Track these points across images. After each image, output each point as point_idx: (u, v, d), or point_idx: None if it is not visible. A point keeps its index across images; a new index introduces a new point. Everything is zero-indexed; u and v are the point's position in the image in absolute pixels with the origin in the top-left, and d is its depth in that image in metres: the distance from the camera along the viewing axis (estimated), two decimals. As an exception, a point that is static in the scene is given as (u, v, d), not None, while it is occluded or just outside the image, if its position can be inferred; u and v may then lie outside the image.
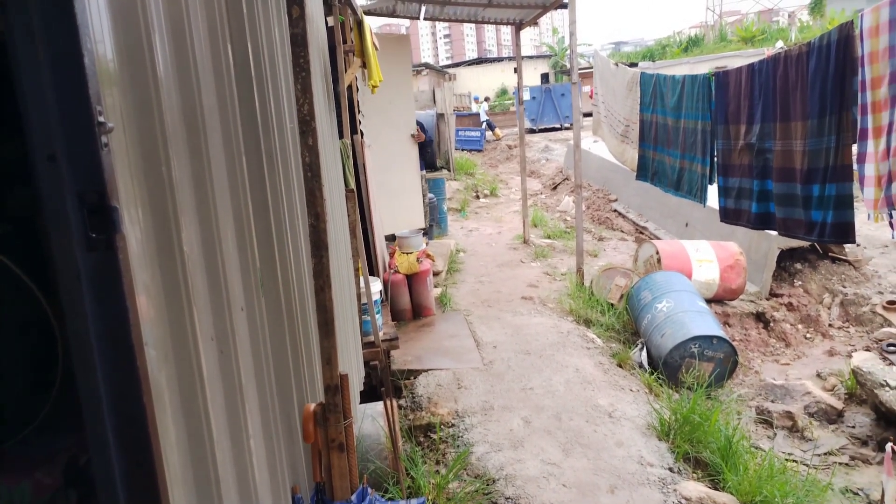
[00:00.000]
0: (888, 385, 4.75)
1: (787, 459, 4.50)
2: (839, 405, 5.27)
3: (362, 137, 5.04)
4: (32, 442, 1.60)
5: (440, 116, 14.91)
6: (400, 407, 4.56)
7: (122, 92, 1.00)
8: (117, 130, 0.96)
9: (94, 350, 0.96)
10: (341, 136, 3.96)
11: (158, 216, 1.10)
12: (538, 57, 39.11)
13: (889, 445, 3.08)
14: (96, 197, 0.88)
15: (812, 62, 4.03)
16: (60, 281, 0.92)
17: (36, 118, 0.84)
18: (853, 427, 5.06)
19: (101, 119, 0.88)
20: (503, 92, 37.90)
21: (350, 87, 4.47)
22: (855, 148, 3.69)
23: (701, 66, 23.24)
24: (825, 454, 4.74)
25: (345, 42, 4.26)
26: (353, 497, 2.01)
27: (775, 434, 5.02)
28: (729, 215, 5.29)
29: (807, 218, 4.22)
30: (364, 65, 5.14)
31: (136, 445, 1.02)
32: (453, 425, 4.26)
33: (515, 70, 9.40)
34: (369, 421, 3.62)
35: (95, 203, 0.88)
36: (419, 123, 9.26)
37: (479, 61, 41.51)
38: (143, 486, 1.03)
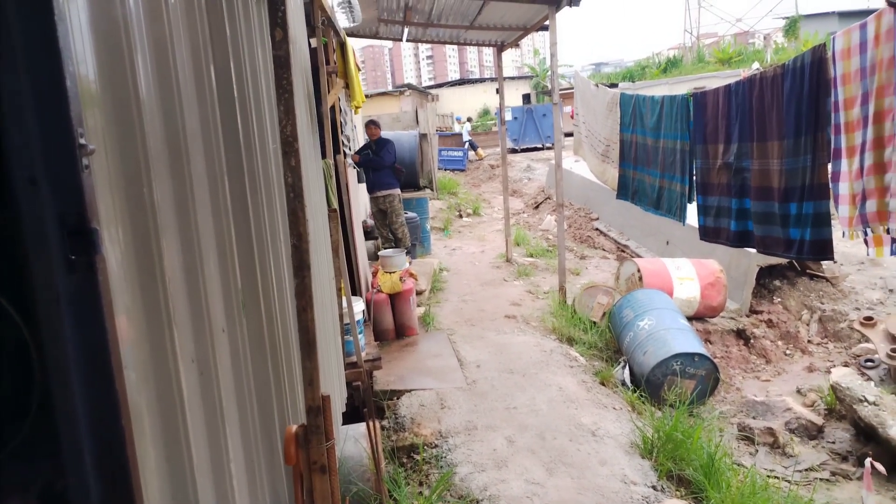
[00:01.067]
0: (866, 400, 4.80)
1: (768, 476, 4.52)
2: (819, 421, 5.32)
3: (345, 157, 5.06)
4: (6, 468, 1.56)
5: (423, 136, 14.98)
6: (383, 428, 4.52)
7: (103, 113, 1.00)
8: (99, 152, 0.96)
9: (73, 373, 0.95)
10: (324, 156, 3.97)
11: (139, 238, 1.09)
12: (520, 78, 39.53)
13: (868, 461, 3.12)
14: (76, 219, 0.87)
15: (787, 83, 4.12)
16: (39, 303, 0.91)
17: (16, 140, 0.84)
18: (833, 443, 5.10)
19: (82, 141, 0.87)
20: (485, 112, 38.21)
21: (333, 107, 4.48)
22: (830, 167, 3.77)
23: (679, 87, 23.66)
24: (806, 470, 4.77)
25: (328, 63, 4.28)
26: (336, 520, 1.98)
27: (757, 450, 5.04)
28: (708, 233, 5.36)
29: (785, 235, 4.29)
30: (347, 86, 5.17)
31: (115, 471, 1.00)
32: (437, 446, 4.24)
33: (497, 91, 9.51)
34: (352, 442, 3.59)
35: (76, 225, 0.88)
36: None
37: (462, 82, 41.86)
38: (121, 511, 1.02)
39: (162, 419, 1.16)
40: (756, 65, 25.63)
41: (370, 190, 8.69)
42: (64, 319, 0.93)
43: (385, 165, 8.62)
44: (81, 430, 0.98)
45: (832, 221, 4.15)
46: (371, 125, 8.73)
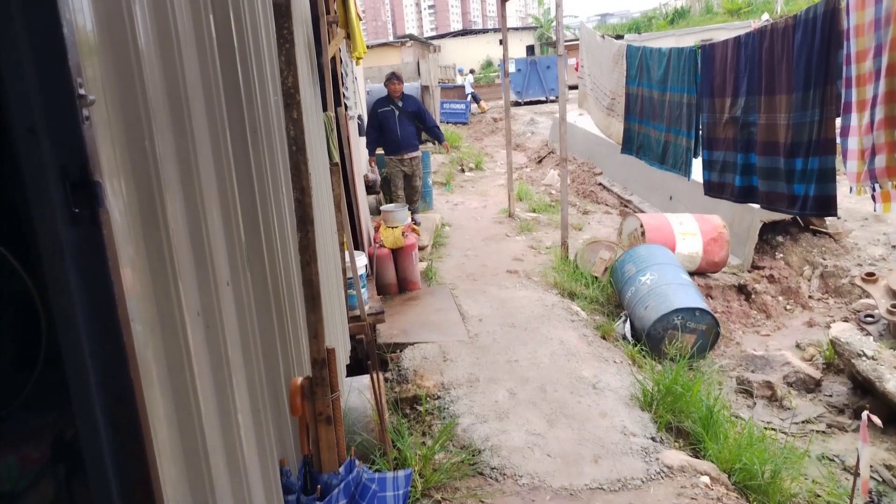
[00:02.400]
0: (865, 355, 4.85)
1: (765, 428, 4.60)
2: (817, 375, 5.38)
3: (346, 110, 4.99)
4: (18, 418, 1.60)
5: (425, 89, 14.78)
6: (386, 380, 4.58)
7: (102, 64, 0.98)
8: (98, 103, 0.94)
9: (80, 326, 0.95)
10: (325, 108, 3.91)
11: (142, 190, 1.08)
12: (524, 29, 38.76)
13: (865, 413, 3.16)
14: (78, 171, 0.87)
15: (798, 35, 4.03)
16: (44, 256, 0.91)
17: (14, 89, 0.82)
18: (830, 396, 5.17)
19: (81, 91, 0.86)
20: (488, 64, 37.59)
21: (334, 58, 4.40)
22: (839, 121, 3.71)
23: (687, 39, 23.19)
24: (803, 422, 4.85)
25: (328, 13, 4.19)
26: (341, 469, 2.03)
27: (755, 403, 5.12)
28: (713, 189, 5.32)
29: (789, 191, 4.26)
30: (348, 36, 5.07)
31: (125, 421, 1.02)
32: (439, 397, 4.30)
33: (501, 42, 9.32)
34: (356, 394, 3.64)
35: (78, 177, 0.87)
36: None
37: (464, 33, 41.07)
38: (133, 460, 1.04)
39: (169, 371, 1.17)
40: (766, 16, 25.06)
41: (394, 151, 7.91)
42: (69, 272, 0.93)
43: (424, 124, 7.97)
44: (90, 381, 0.99)
45: (837, 177, 4.12)
46: (394, 80, 7.90)
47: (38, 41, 0.84)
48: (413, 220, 7.41)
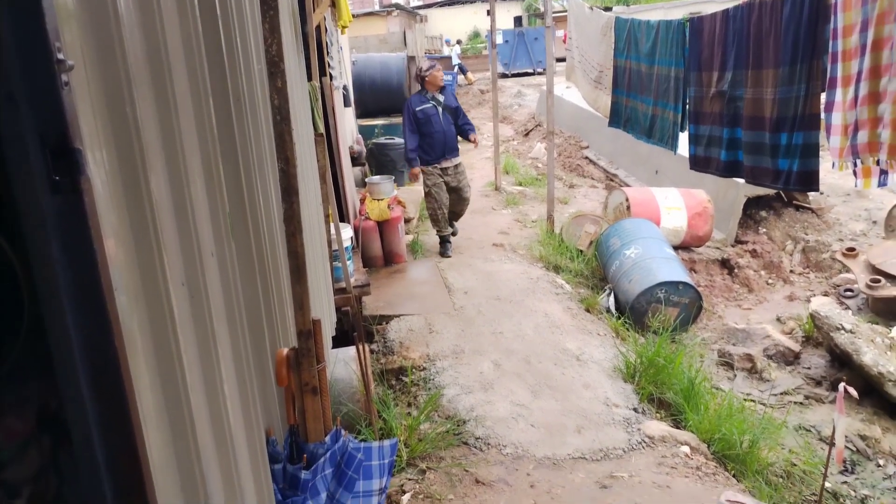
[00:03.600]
0: (843, 328, 4.94)
1: (745, 399, 4.69)
2: (797, 348, 5.48)
3: (331, 80, 4.93)
4: (1, 389, 1.58)
5: (411, 59, 14.60)
6: (372, 351, 4.61)
7: (81, 28, 0.96)
8: (78, 69, 0.92)
9: (63, 296, 0.95)
10: (310, 78, 3.86)
11: (124, 158, 1.06)
12: (512, 0, 38.27)
13: (841, 385, 3.22)
14: (58, 138, 0.85)
15: (786, 9, 4.01)
16: (25, 225, 0.90)
17: (-10, 54, 0.80)
18: (809, 368, 5.28)
19: (60, 56, 0.84)
20: (476, 35, 37.15)
21: (319, 27, 4.33)
22: (823, 96, 3.73)
23: (676, 12, 23.01)
24: (781, 394, 4.95)
25: (313, -21, 4.10)
26: (327, 439, 2.04)
27: (735, 376, 5.21)
28: (698, 163, 5.34)
29: (774, 166, 4.29)
30: (333, 4, 4.99)
31: (110, 391, 1.02)
32: (424, 369, 4.34)
33: (489, 13, 9.22)
34: (342, 365, 3.66)
35: (58, 145, 0.85)
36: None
37: (452, 3, 40.47)
38: (119, 430, 1.04)
39: (154, 341, 1.17)
40: (755, -11, 24.90)
41: (436, 158, 6.36)
42: (51, 242, 0.92)
43: (458, 119, 6.55)
44: (75, 352, 0.99)
45: (820, 152, 4.15)
46: (436, 67, 6.47)
47: (15, 4, 0.81)
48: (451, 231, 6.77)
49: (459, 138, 6.65)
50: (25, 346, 1.61)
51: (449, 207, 6.57)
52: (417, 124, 6.30)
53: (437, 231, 6.69)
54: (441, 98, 6.38)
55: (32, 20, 0.82)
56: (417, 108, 6.30)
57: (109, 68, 1.03)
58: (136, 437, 1.05)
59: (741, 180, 5.16)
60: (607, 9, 25.22)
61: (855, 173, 3.47)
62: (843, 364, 4.99)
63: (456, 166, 6.52)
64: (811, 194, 8.01)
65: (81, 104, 0.92)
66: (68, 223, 0.91)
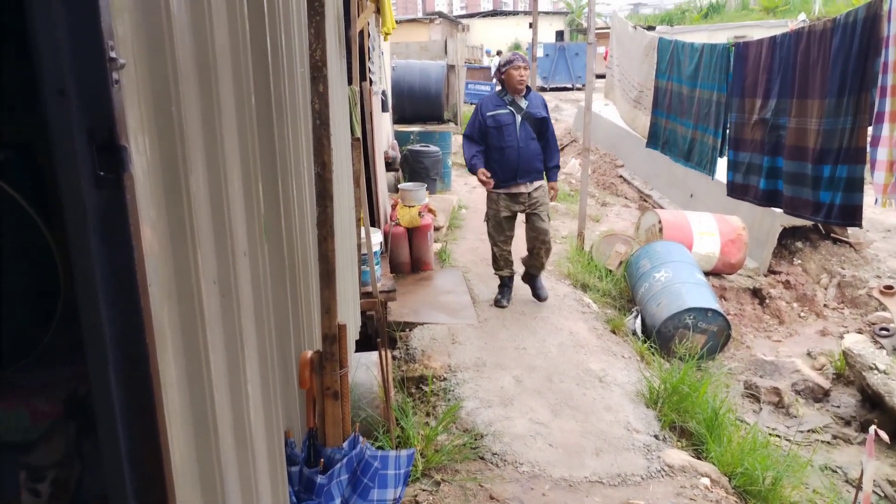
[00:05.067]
0: (877, 368, 4.80)
1: (770, 434, 4.58)
2: (826, 384, 5.34)
3: (371, 85, 4.97)
4: (32, 371, 1.62)
5: (451, 68, 14.66)
6: (394, 358, 4.61)
7: (133, 26, 0.98)
8: (128, 67, 0.94)
9: (99, 288, 0.96)
10: (350, 82, 3.90)
11: (167, 156, 1.08)
12: (555, 13, 38.32)
13: (872, 427, 3.14)
14: (106, 134, 0.87)
15: (836, 40, 3.94)
16: (67, 217, 0.92)
17: (46, 50, 0.82)
18: (838, 407, 5.14)
19: (112, 54, 0.86)
20: (516, 47, 37.19)
21: (361, 32, 4.38)
22: (870, 130, 3.64)
23: (719, 35, 22.80)
24: (808, 431, 4.83)
25: (360, -14, 4.15)
26: (345, 444, 2.04)
27: (761, 409, 5.09)
28: (736, 190, 5.26)
29: (815, 198, 4.20)
30: (378, 10, 5.03)
31: (138, 384, 1.03)
32: (445, 379, 4.32)
33: (531, 25, 9.22)
34: (363, 370, 3.66)
35: (105, 141, 0.87)
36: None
37: (494, 13, 40.64)
38: (144, 423, 1.05)
39: (183, 337, 1.18)
40: (802, 15, 24.56)
41: (506, 180, 5.02)
42: (91, 234, 0.93)
43: (546, 140, 5.15)
44: (106, 342, 1.00)
45: (864, 187, 4.06)
46: (518, 62, 4.95)
47: (71, 1, 0.83)
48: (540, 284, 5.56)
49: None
50: (58, 331, 1.64)
51: (527, 245, 5.25)
52: (484, 134, 4.98)
53: (495, 270, 5.48)
54: (523, 104, 4.96)
55: (87, 18, 0.83)
56: (489, 114, 4.96)
57: (158, 67, 1.05)
58: (160, 431, 1.06)
59: (778, 210, 5.07)
60: (650, 28, 25.09)
61: (899, 210, 3.38)
62: (875, 405, 4.85)
63: (531, 193, 5.06)
64: (850, 228, 7.83)
65: (129, 101, 0.94)
66: (109, 217, 0.93)
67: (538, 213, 5.14)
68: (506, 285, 5.53)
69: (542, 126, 5.07)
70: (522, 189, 5.06)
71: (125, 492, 1.06)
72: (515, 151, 4.95)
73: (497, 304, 5.47)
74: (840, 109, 3.94)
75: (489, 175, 4.94)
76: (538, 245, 5.23)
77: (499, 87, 5.25)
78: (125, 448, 1.05)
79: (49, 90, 0.83)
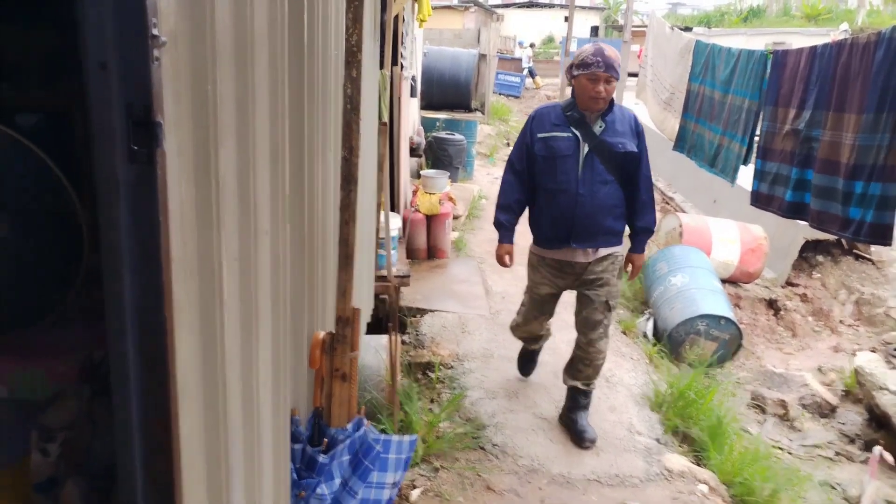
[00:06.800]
0: (888, 389, 4.76)
1: (773, 446, 4.56)
2: (834, 401, 5.30)
3: (402, 70, 4.96)
4: (50, 332, 1.66)
5: (482, 57, 14.56)
6: (403, 342, 4.64)
7: (177, 6, 0.99)
8: (169, 44, 0.95)
9: (124, 259, 0.98)
10: (381, 66, 3.90)
11: (199, 134, 1.10)
12: (591, 8, 37.88)
13: (877, 448, 3.12)
14: (143, 110, 0.88)
15: (879, 53, 3.86)
16: (98, 188, 0.94)
17: (91, 23, 0.84)
18: (844, 424, 5.10)
19: (154, 32, 0.87)
20: (550, 40, 36.89)
21: (397, 16, 4.36)
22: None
23: (758, 39, 22.40)
24: (811, 446, 4.80)
25: (398, -32, 4.13)
26: (349, 426, 2.07)
27: (766, 420, 5.07)
28: (760, 200, 5.20)
29: (844, 214, 4.14)
30: (414, -5, 5.01)
31: (153, 352, 1.05)
32: (452, 367, 4.35)
33: (566, 19, 9.14)
34: (372, 352, 3.70)
35: (141, 116, 0.89)
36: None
37: (530, 5, 40.20)
38: (156, 391, 1.07)
39: (201, 312, 1.20)
40: (844, 25, 24.04)
41: (556, 240, 3.37)
42: (120, 206, 0.95)
43: (635, 185, 3.30)
44: (126, 311, 1.02)
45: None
46: (596, 75, 3.03)
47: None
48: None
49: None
50: (80, 296, 1.68)
51: (580, 327, 3.50)
52: (531, 163, 3.30)
53: (517, 336, 4.04)
54: (597, 128, 3.16)
55: (134, -5, 0.85)
56: (540, 135, 3.23)
57: (198, 46, 1.06)
58: (172, 402, 1.08)
59: (802, 222, 5.01)
60: (687, 29, 24.71)
61: (927, 234, 3.33)
62: (882, 426, 4.81)
63: (590, 265, 3.34)
64: (874, 246, 7.72)
65: (167, 79, 0.95)
66: (139, 191, 0.95)
67: (594, 296, 3.35)
68: (528, 357, 4.15)
69: (626, 164, 3.22)
70: (579, 258, 3.34)
71: (132, 458, 1.09)
72: (572, 199, 3.17)
73: (522, 373, 4.21)
74: (878, 125, 3.87)
75: (511, 253, 3.57)
76: (581, 350, 3.48)
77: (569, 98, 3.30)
78: (136, 415, 1.08)
79: (91, 63, 0.85)
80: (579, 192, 3.20)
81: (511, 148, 3.73)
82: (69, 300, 1.63)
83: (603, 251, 3.36)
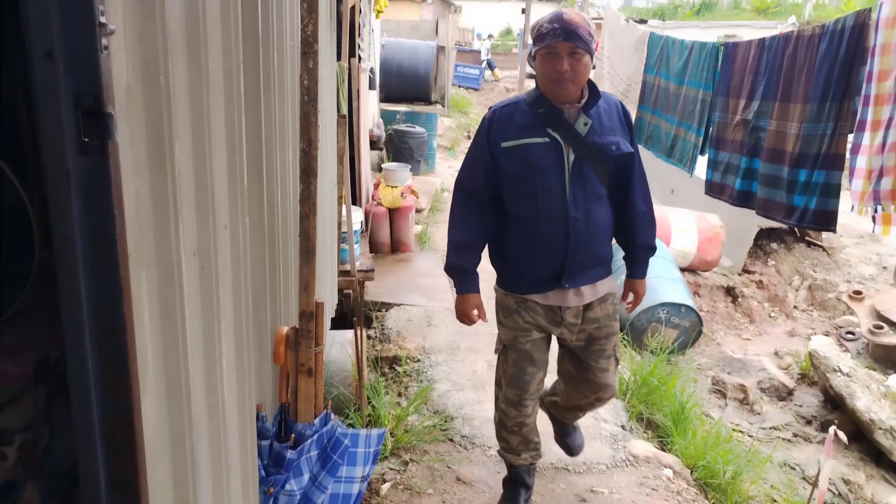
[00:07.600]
0: (840, 371, 4.93)
1: (733, 430, 4.68)
2: (791, 384, 5.47)
3: (360, 62, 4.93)
4: (2, 333, 1.60)
5: (441, 49, 14.55)
6: (369, 337, 4.62)
7: (124, -8, 0.97)
8: (118, 33, 0.93)
9: (78, 254, 0.96)
10: (339, 57, 3.86)
11: (152, 126, 1.07)
12: (548, 0, 38.12)
13: (832, 428, 3.22)
14: (92, 100, 0.86)
15: (823, 45, 3.99)
16: (48, 182, 0.91)
17: (35, 11, 0.81)
18: (800, 406, 5.27)
19: (102, 20, 0.84)
20: (508, 32, 37.03)
21: (353, 8, 4.33)
22: (850, 138, 3.71)
23: (710, 32, 22.87)
24: (770, 428, 4.95)
25: (354, -39, 4.10)
26: (316, 421, 2.06)
27: (726, 404, 5.21)
28: (713, 189, 5.32)
29: (788, 202, 4.27)
30: (371, -13, 4.98)
31: (113, 349, 1.03)
32: (419, 360, 4.35)
33: (523, 11, 9.18)
34: (337, 347, 3.67)
35: (91, 106, 0.86)
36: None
37: (488, -3, 40.27)
38: (117, 389, 1.05)
39: (161, 307, 1.18)
40: (793, 18, 24.72)
41: (521, 285, 2.62)
42: (72, 200, 0.93)
43: (627, 198, 2.57)
44: (83, 311, 1.00)
45: (840, 193, 4.13)
46: (554, 47, 2.24)
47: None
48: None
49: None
50: (32, 293, 1.62)
51: (562, 398, 2.95)
52: (493, 184, 2.48)
53: (503, 450, 2.87)
54: (581, 125, 2.36)
55: (79, -21, 0.82)
56: (506, 144, 2.38)
57: (148, 35, 1.03)
58: (134, 399, 1.06)
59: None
60: (642, 21, 25.07)
61: (874, 219, 3.46)
62: (836, 406, 4.98)
63: (587, 312, 2.56)
64: (825, 233, 7.98)
65: (117, 68, 0.93)
66: (91, 184, 0.92)
67: (601, 354, 2.64)
68: (520, 483, 2.89)
69: (619, 169, 2.49)
70: (570, 301, 2.52)
71: (95, 458, 1.07)
72: (562, 226, 2.38)
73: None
74: (821, 115, 4.00)
75: (481, 306, 2.76)
76: (589, 404, 2.88)
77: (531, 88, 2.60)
78: (98, 415, 1.05)
79: (36, 51, 0.82)
80: (571, 216, 2.35)
81: (468, 136, 3.40)
82: (20, 299, 1.57)
83: (601, 288, 2.56)
